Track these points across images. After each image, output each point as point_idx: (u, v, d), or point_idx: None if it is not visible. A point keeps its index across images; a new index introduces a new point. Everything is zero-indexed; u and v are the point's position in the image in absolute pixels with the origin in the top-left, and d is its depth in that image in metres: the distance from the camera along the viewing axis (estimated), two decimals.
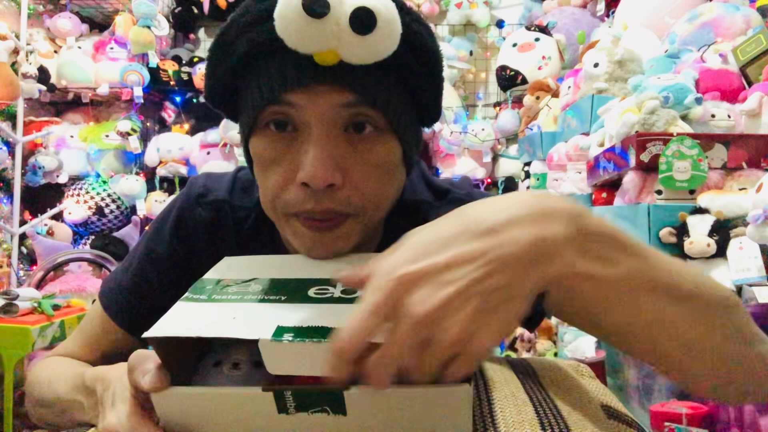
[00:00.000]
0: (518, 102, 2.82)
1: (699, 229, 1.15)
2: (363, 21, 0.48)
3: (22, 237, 2.77)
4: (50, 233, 2.82)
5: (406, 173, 0.62)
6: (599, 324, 0.46)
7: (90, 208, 2.95)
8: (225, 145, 2.93)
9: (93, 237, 2.95)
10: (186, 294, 0.49)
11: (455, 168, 2.96)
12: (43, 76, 2.81)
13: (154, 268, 0.69)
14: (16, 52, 2.75)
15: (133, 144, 2.95)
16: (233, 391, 0.42)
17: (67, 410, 0.60)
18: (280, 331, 0.40)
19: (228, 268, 0.55)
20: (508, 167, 2.99)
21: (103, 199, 2.97)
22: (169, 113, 3.27)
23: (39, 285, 2.37)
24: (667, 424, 1.06)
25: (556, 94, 2.41)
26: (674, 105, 1.38)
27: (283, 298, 0.47)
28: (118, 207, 3.01)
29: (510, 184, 2.98)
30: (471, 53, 3.25)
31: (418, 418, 0.41)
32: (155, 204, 2.98)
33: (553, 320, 2.00)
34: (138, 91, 2.92)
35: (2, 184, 2.79)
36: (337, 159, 0.53)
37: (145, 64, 3.02)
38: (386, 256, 0.39)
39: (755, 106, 1.31)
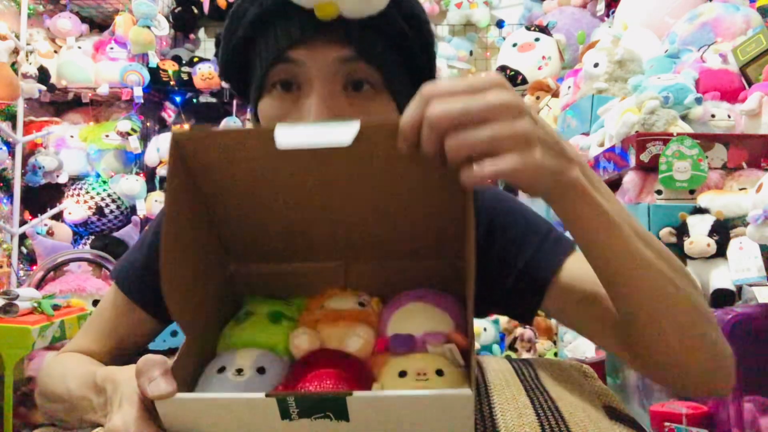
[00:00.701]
0: None
1: (699, 229, 1.15)
2: None
3: (22, 237, 2.77)
4: (50, 233, 2.82)
5: None
6: (590, 251, 0.49)
7: (90, 208, 2.95)
8: None
9: (93, 237, 2.95)
10: None
11: None
12: (43, 76, 2.81)
13: None
14: (16, 52, 2.75)
15: (133, 144, 2.95)
16: (236, 398, 0.42)
17: (77, 407, 0.60)
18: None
19: None
20: None
21: (103, 199, 2.97)
22: (169, 113, 3.27)
23: (39, 285, 2.37)
24: (667, 424, 1.06)
25: (556, 94, 2.41)
26: (674, 105, 1.38)
27: None
28: (118, 207, 3.01)
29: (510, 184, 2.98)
30: (471, 53, 3.25)
31: (421, 424, 0.41)
32: (155, 204, 2.98)
33: (553, 321, 2.00)
34: (138, 91, 2.92)
35: (2, 184, 2.79)
36: (335, 112, 0.57)
37: (145, 64, 3.02)
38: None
39: (755, 106, 1.31)
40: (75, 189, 2.99)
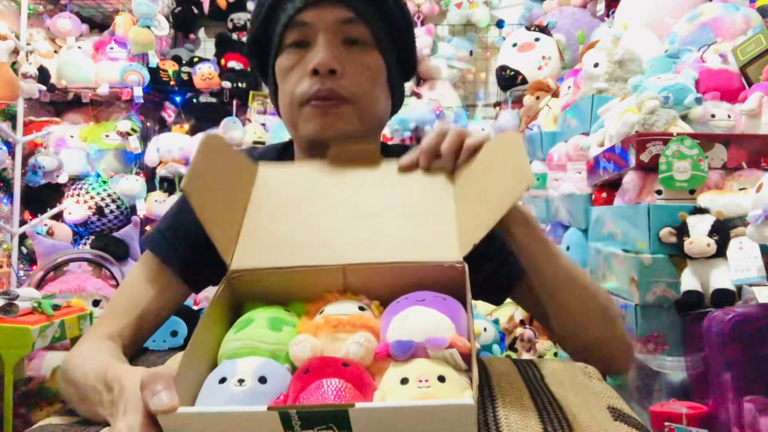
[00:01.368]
0: (518, 102, 2.82)
1: (699, 229, 1.15)
2: None
3: (22, 237, 2.77)
4: (50, 233, 2.82)
5: (391, 100, 0.83)
6: (535, 270, 0.69)
7: (90, 208, 2.94)
8: None
9: (93, 237, 2.95)
10: None
11: None
12: (43, 76, 2.81)
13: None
14: (16, 52, 2.75)
15: (133, 144, 2.95)
16: (238, 411, 0.42)
17: (88, 398, 0.61)
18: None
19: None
20: None
21: (103, 199, 2.97)
22: (169, 113, 3.27)
23: (39, 285, 2.37)
24: (667, 424, 1.06)
25: (556, 94, 2.41)
26: (674, 105, 1.38)
27: None
28: (118, 207, 3.01)
29: None
30: (471, 53, 3.25)
31: None
32: (155, 204, 2.98)
33: None
34: (138, 91, 2.92)
35: (2, 184, 2.79)
36: (337, 56, 0.74)
37: (145, 64, 3.02)
38: None
39: (755, 106, 1.30)
40: (75, 189, 2.99)
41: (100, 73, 2.99)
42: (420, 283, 0.56)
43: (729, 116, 1.40)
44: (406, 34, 0.82)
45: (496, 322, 2.20)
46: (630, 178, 1.30)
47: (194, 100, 3.29)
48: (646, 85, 1.47)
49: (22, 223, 2.79)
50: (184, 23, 3.39)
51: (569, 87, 2.15)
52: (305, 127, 0.76)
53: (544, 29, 2.79)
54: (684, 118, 1.37)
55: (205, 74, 3.07)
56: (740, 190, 1.21)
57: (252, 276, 0.58)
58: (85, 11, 3.23)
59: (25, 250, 2.85)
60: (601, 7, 2.64)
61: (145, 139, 3.09)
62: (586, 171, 1.73)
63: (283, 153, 0.88)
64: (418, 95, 2.95)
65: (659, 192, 1.26)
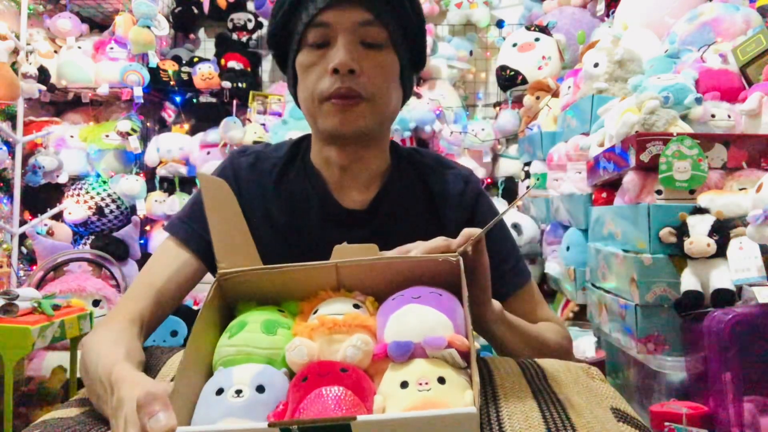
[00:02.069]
0: (518, 102, 2.82)
1: (699, 229, 1.15)
2: None
3: (22, 237, 2.76)
4: (50, 233, 2.82)
5: (402, 95, 0.87)
6: (500, 342, 0.79)
7: (90, 208, 2.94)
8: (225, 145, 2.92)
9: (93, 237, 2.95)
10: None
11: None
12: (43, 76, 2.81)
13: None
14: (16, 52, 2.75)
15: (133, 144, 2.95)
16: (240, 429, 0.42)
17: (95, 389, 0.62)
18: None
19: None
20: (508, 167, 2.99)
21: (103, 199, 2.97)
22: (169, 113, 3.27)
23: (39, 285, 2.37)
24: (667, 424, 1.06)
25: (556, 94, 2.41)
26: (674, 105, 1.38)
27: None
28: (118, 207, 3.01)
29: (510, 184, 2.98)
30: (471, 53, 3.25)
31: None
32: (155, 204, 2.98)
33: None
34: (138, 91, 2.91)
35: (2, 184, 2.78)
36: (355, 56, 0.78)
37: (145, 64, 3.01)
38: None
39: (755, 106, 1.30)
40: (75, 189, 2.98)
41: (100, 73, 2.99)
42: (414, 278, 0.56)
43: (729, 116, 1.40)
44: (419, 32, 0.87)
45: None
46: (630, 178, 1.30)
47: (194, 100, 3.29)
48: (646, 85, 1.47)
49: (22, 223, 2.79)
50: (184, 23, 3.39)
51: (569, 87, 2.15)
52: (325, 122, 0.81)
53: (544, 29, 2.79)
54: (684, 118, 1.37)
55: (205, 74, 3.07)
56: (740, 190, 1.21)
57: (243, 277, 0.58)
58: (85, 11, 3.23)
59: (25, 250, 2.84)
60: (601, 7, 2.64)
61: (145, 139, 3.08)
62: (586, 171, 1.73)
63: (293, 155, 0.92)
64: (418, 95, 2.95)
65: (659, 192, 1.26)
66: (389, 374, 0.46)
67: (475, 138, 2.90)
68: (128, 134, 2.92)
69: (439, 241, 0.62)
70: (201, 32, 3.54)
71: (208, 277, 0.81)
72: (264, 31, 3.43)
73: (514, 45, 2.80)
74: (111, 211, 2.98)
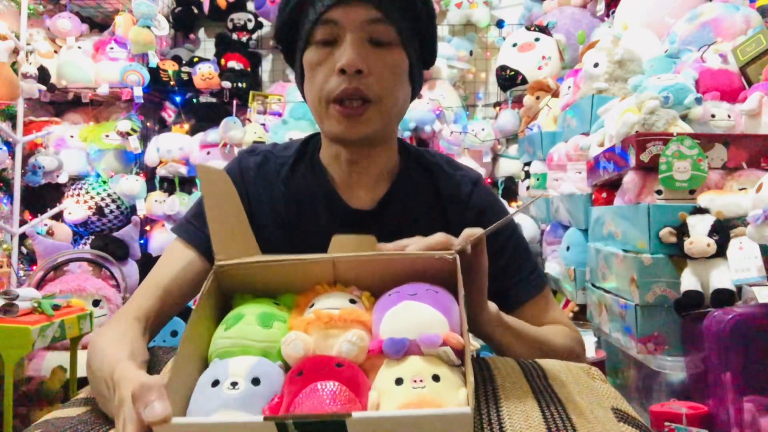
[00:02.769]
0: (518, 102, 2.82)
1: (699, 229, 1.15)
2: None
3: (22, 237, 2.77)
4: (50, 233, 2.82)
5: (411, 92, 0.86)
6: (494, 342, 0.78)
7: (90, 208, 2.94)
8: (225, 145, 2.93)
9: (93, 237, 2.95)
10: None
11: None
12: (43, 76, 2.81)
13: None
14: (16, 52, 2.75)
15: (133, 144, 2.95)
16: (235, 422, 0.42)
17: (101, 388, 0.63)
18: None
19: None
20: (508, 167, 2.99)
21: (103, 199, 2.97)
22: (169, 113, 3.27)
23: (39, 285, 2.37)
24: (667, 424, 1.06)
25: (556, 94, 2.41)
26: (674, 105, 1.38)
27: None
28: (118, 207, 3.01)
29: (510, 184, 2.98)
30: (471, 53, 3.25)
31: None
32: (155, 204, 2.98)
33: None
34: (138, 91, 2.92)
35: (2, 184, 2.78)
36: (363, 56, 0.77)
37: (145, 64, 3.02)
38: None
39: (755, 106, 1.30)
40: (75, 189, 2.99)
41: (100, 73, 2.99)
42: (411, 275, 0.56)
43: (729, 116, 1.40)
44: (428, 27, 0.85)
45: None
46: (630, 178, 1.30)
47: (194, 100, 3.29)
48: (646, 85, 1.47)
49: (22, 223, 2.79)
50: (184, 23, 3.39)
51: (569, 87, 2.15)
52: (331, 127, 0.81)
53: (544, 29, 2.79)
54: (684, 118, 1.37)
55: (205, 74, 3.07)
56: (740, 190, 1.21)
57: (240, 269, 0.57)
58: (85, 11, 3.23)
59: (25, 250, 2.85)
60: (601, 7, 2.64)
61: (145, 139, 3.08)
62: (586, 171, 1.73)
63: (301, 154, 0.93)
64: (418, 95, 2.95)
65: (659, 192, 1.26)
66: (384, 371, 0.47)
67: (475, 138, 2.90)
68: (128, 134, 2.92)
69: (440, 236, 0.61)
70: (201, 32, 3.54)
71: None
72: (264, 31, 3.43)
73: (514, 45, 2.80)
74: (111, 211, 2.99)
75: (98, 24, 3.30)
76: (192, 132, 3.13)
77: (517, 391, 0.59)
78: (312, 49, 0.80)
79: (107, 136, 2.99)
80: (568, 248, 1.91)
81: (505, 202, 3.02)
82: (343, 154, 0.86)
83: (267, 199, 0.89)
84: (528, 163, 2.53)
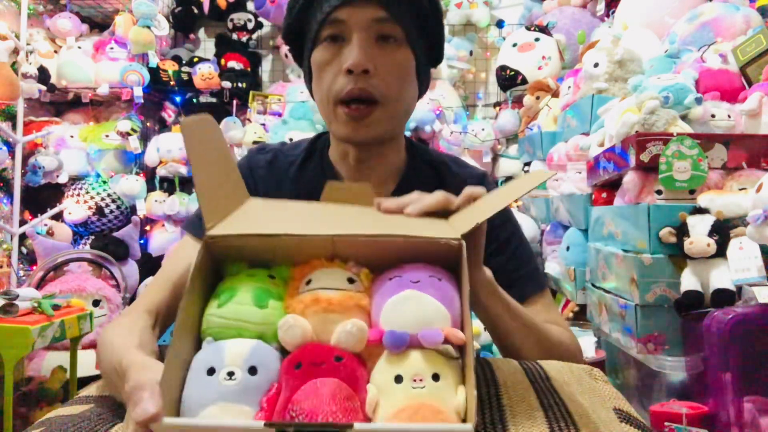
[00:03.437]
0: (518, 102, 2.83)
1: (699, 229, 1.15)
2: None
3: (22, 237, 2.77)
4: (50, 233, 2.82)
5: (417, 91, 0.87)
6: (494, 320, 0.75)
7: (90, 208, 2.95)
8: None
9: (93, 237, 2.95)
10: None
11: None
12: (43, 76, 2.81)
13: None
14: (16, 52, 2.75)
15: (133, 144, 2.95)
16: (235, 425, 0.42)
17: (112, 377, 0.63)
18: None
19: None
20: (508, 167, 2.99)
21: (103, 199, 2.97)
22: (169, 113, 3.27)
23: (39, 285, 2.37)
24: (667, 424, 1.06)
25: (556, 94, 2.41)
26: (674, 105, 1.38)
27: None
28: (118, 207, 3.01)
29: None
30: (471, 53, 3.25)
31: None
32: (155, 204, 2.98)
33: None
34: (138, 91, 2.92)
35: (2, 184, 2.79)
36: (370, 55, 0.77)
37: (145, 64, 3.02)
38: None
39: (755, 106, 1.31)
40: (75, 189, 2.99)
41: (100, 73, 2.99)
42: (413, 254, 0.54)
43: (729, 116, 1.40)
44: (436, 25, 0.86)
45: None
46: (630, 178, 1.30)
47: (194, 100, 3.29)
48: (646, 85, 1.47)
49: (22, 223, 2.79)
50: (184, 23, 3.39)
51: (569, 87, 2.15)
52: (338, 128, 0.82)
53: (544, 29, 2.79)
54: (684, 118, 1.37)
55: (205, 74, 3.07)
56: (740, 190, 1.21)
57: (234, 241, 0.54)
58: (85, 11, 3.23)
59: (25, 250, 2.85)
60: (601, 7, 2.65)
61: (145, 139, 3.08)
62: (586, 171, 1.73)
63: (310, 153, 0.94)
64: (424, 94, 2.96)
65: (659, 192, 1.26)
66: (384, 365, 0.46)
67: (475, 138, 2.90)
68: (128, 134, 2.93)
69: (440, 195, 0.61)
70: (201, 32, 3.54)
71: None
72: (264, 31, 3.43)
73: (514, 45, 2.80)
74: (111, 211, 2.99)
75: (98, 24, 3.31)
76: None
77: (519, 391, 0.59)
78: (319, 49, 0.81)
79: (107, 136, 2.99)
80: (568, 248, 1.91)
81: None
82: (351, 153, 0.87)
83: (276, 196, 0.89)
84: (528, 163, 2.53)
